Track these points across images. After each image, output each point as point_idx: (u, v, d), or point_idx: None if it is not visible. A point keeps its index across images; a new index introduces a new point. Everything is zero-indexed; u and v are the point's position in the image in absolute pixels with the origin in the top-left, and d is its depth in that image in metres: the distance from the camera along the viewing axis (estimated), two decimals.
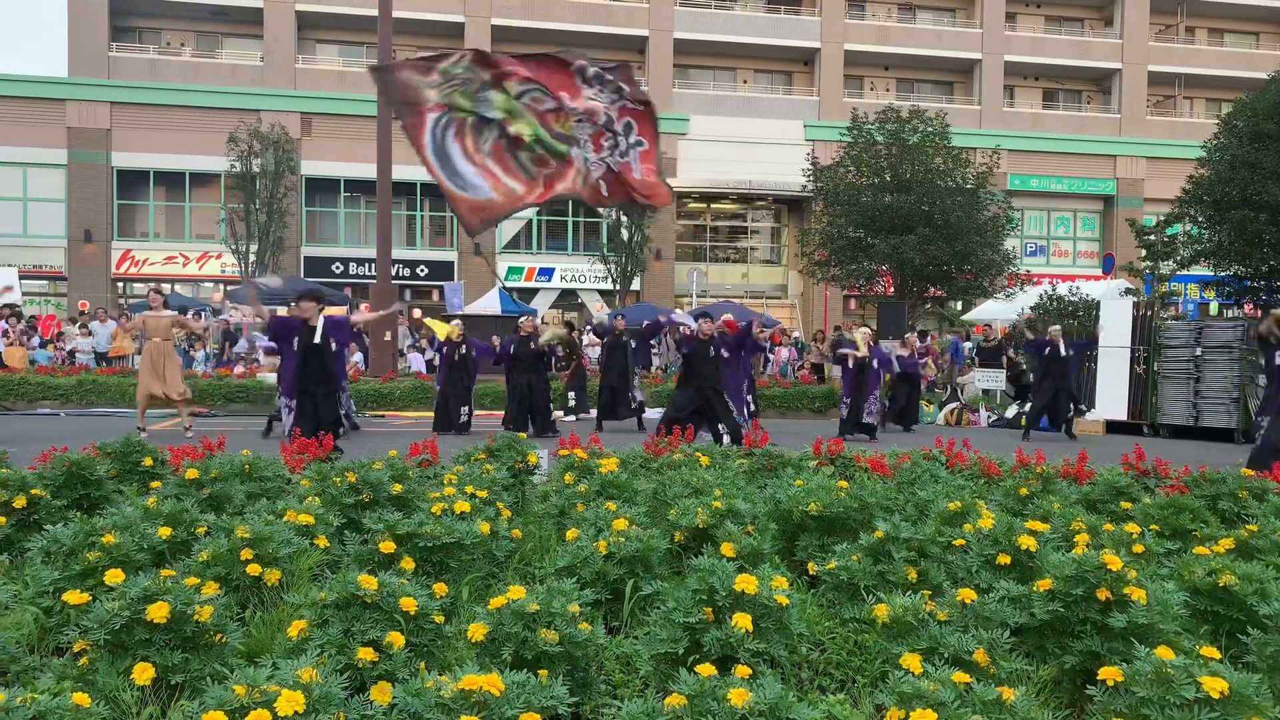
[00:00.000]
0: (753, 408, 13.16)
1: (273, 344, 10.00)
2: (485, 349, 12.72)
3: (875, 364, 12.96)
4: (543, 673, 2.57)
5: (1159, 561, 4.07)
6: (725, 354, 11.44)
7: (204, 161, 28.96)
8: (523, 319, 13.06)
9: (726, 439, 10.22)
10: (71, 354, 19.38)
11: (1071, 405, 13.97)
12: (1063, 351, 13.57)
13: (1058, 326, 14.23)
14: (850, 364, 12.81)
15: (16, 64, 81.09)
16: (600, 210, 29.71)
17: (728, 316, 12.65)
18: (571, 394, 14.75)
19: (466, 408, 12.41)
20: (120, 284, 29.89)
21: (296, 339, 8.89)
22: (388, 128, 16.88)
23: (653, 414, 13.80)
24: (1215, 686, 2.45)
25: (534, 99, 8.23)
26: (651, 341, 13.35)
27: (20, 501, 4.57)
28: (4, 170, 28.88)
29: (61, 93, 29.20)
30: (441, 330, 13.47)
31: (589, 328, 16.83)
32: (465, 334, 12.70)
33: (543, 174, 8.36)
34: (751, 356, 12.79)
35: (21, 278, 24.66)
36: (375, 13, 18.28)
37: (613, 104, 8.35)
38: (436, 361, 13.11)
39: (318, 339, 8.85)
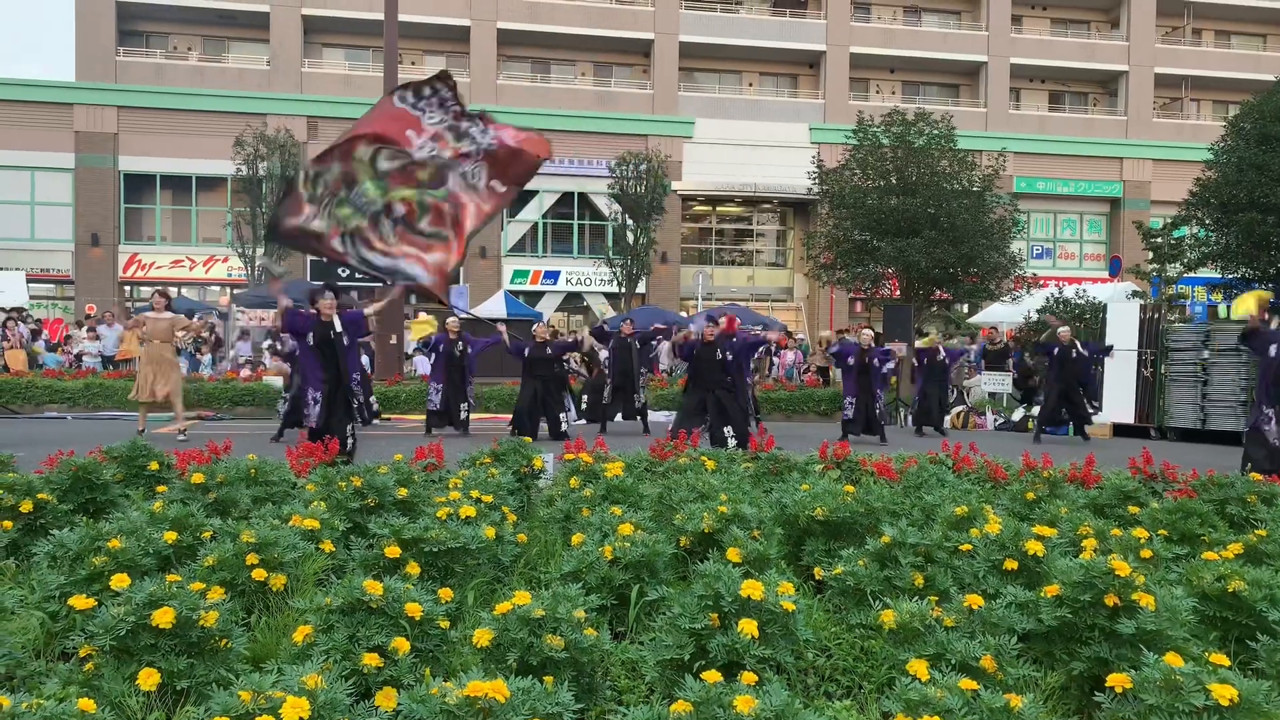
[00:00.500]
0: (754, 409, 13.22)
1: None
2: (479, 344, 12.75)
3: (879, 364, 12.90)
4: (548, 679, 2.56)
5: (1167, 567, 4.04)
6: (729, 356, 11.45)
7: (210, 165, 29.03)
8: (536, 326, 13.15)
9: (733, 442, 10.18)
10: (79, 357, 19.45)
11: (1087, 403, 13.71)
12: (1074, 353, 13.41)
13: (1066, 328, 14.08)
14: (851, 363, 12.75)
15: (24, 68, 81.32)
16: (606, 213, 29.77)
17: (724, 319, 12.60)
18: (585, 397, 14.82)
19: (466, 404, 12.45)
20: (127, 287, 29.99)
21: (311, 333, 8.95)
22: None
23: (655, 416, 13.80)
24: (1225, 694, 2.44)
25: (389, 160, 8.16)
26: (652, 342, 13.31)
27: (27, 506, 4.58)
28: (11, 174, 29.02)
29: (69, 97, 29.32)
30: (419, 331, 13.62)
31: (589, 331, 16.87)
32: (462, 331, 12.70)
33: (448, 224, 8.36)
34: (752, 357, 12.75)
35: (29, 281, 24.80)
36: (381, 17, 18.35)
37: (445, 117, 8.32)
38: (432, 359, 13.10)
39: (333, 331, 8.89)
